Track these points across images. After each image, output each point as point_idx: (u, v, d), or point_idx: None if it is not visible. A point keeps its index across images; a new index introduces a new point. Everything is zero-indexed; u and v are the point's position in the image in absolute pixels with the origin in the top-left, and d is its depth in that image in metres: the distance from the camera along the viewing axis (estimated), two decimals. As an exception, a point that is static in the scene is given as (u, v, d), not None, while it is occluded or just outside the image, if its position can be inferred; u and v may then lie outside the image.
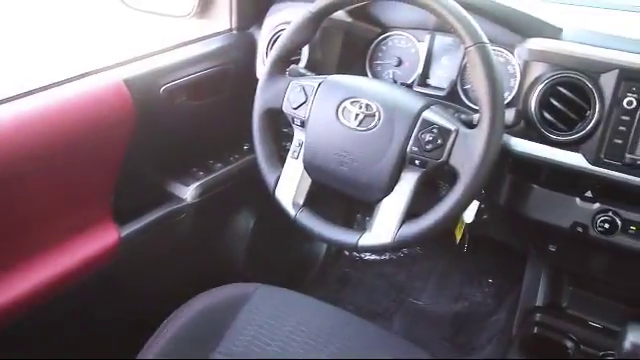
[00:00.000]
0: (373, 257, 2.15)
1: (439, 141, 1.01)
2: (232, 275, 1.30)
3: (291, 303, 1.18)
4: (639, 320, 1.07)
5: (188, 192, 1.43)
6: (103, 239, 1.27)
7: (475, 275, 2.03)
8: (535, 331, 1.42)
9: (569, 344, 1.38)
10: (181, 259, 1.53)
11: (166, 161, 1.43)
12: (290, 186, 1.15)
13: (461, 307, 1.97)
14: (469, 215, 1.19)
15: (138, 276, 1.40)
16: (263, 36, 1.44)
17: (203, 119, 1.45)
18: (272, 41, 1.40)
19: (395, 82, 1.36)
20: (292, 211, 1.14)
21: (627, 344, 1.01)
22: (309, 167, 1.13)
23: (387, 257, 2.14)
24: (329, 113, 1.08)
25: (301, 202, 1.15)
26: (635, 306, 1.43)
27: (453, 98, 1.29)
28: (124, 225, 1.31)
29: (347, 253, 2.16)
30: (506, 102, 1.24)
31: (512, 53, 1.23)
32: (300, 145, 1.14)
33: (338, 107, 1.08)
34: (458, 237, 1.27)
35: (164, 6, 1.52)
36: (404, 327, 1.92)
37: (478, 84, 0.99)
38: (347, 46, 1.36)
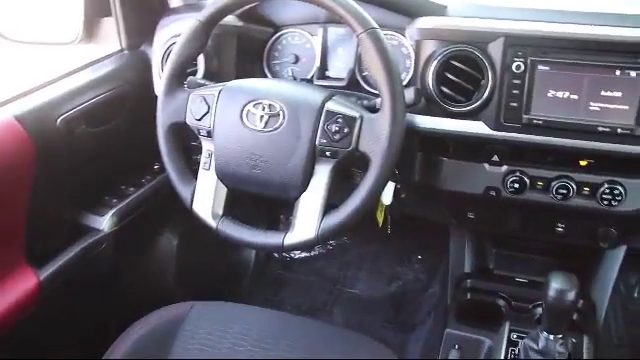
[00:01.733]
0: (304, 254, 2.16)
1: (346, 130, 1.02)
2: (164, 298, 1.27)
3: (229, 315, 1.17)
4: (560, 269, 1.13)
5: (104, 222, 1.38)
6: (21, 285, 1.21)
7: (404, 254, 2.08)
8: (468, 297, 1.47)
9: (501, 302, 1.44)
10: (108, 292, 1.48)
11: (76, 194, 1.38)
12: (207, 198, 1.13)
13: (396, 288, 2.02)
14: (387, 197, 1.22)
15: (64, 317, 1.35)
16: (155, 52, 1.42)
17: (108, 145, 1.41)
18: (165, 56, 1.38)
19: (295, 79, 1.37)
20: (213, 222, 1.12)
21: (551, 292, 1.06)
22: (222, 176, 1.12)
23: (317, 252, 2.16)
24: (233, 119, 1.08)
25: (221, 212, 1.13)
26: (555, 257, 1.51)
27: (354, 86, 1.31)
28: (42, 268, 1.25)
29: (277, 255, 2.16)
30: (405, 82, 1.28)
31: (403, 35, 1.26)
32: (210, 155, 1.13)
33: (242, 112, 1.07)
34: (380, 220, 1.29)
35: (48, 35, 1.46)
36: (345, 317, 1.94)
37: (374, 69, 1.01)
38: (242, 50, 1.36)
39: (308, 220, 1.06)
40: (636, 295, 1.92)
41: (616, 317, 1.85)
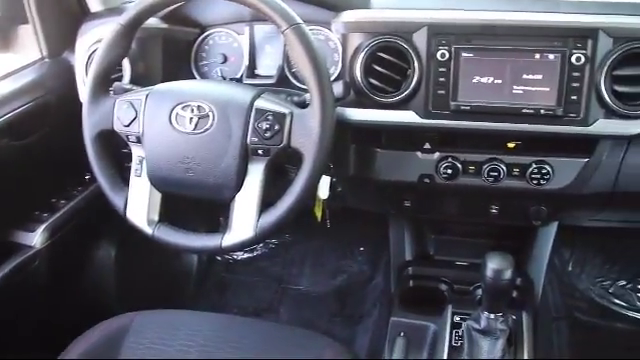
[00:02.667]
0: (246, 255, 2.14)
1: (276, 127, 1.02)
2: (106, 311, 1.24)
3: (173, 322, 1.15)
4: (496, 249, 1.16)
5: (35, 237, 1.34)
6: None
7: (347, 247, 2.09)
8: (411, 284, 1.50)
9: (443, 287, 1.47)
10: (45, 310, 1.43)
11: (3, 210, 1.32)
12: (140, 205, 1.11)
13: (341, 281, 2.03)
14: (323, 191, 1.22)
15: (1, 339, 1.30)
16: (78, 59, 1.38)
17: (33, 158, 1.36)
18: (88, 62, 1.34)
19: (224, 79, 1.35)
20: (148, 229, 1.10)
21: (489, 272, 1.09)
22: (155, 181, 1.10)
23: (260, 252, 2.15)
24: (162, 123, 1.06)
25: (156, 218, 1.11)
26: (492, 238, 1.55)
27: (284, 83, 1.31)
28: None
29: (220, 258, 2.14)
30: (334, 76, 1.28)
31: (330, 29, 1.27)
32: (141, 162, 1.10)
33: (170, 115, 1.05)
34: (319, 215, 1.29)
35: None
36: (292, 315, 1.94)
37: (301, 64, 1.01)
38: (169, 53, 1.33)
39: (245, 220, 1.05)
40: (570, 269, 1.99)
41: (553, 291, 1.92)
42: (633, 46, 1.07)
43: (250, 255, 2.14)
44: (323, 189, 1.23)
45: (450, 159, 1.23)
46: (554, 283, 1.94)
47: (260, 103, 1.04)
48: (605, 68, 1.08)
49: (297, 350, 1.11)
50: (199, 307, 1.89)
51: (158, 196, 1.11)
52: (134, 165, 1.12)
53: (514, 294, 1.42)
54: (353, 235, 2.08)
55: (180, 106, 1.05)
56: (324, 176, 1.21)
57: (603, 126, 1.11)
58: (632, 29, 1.08)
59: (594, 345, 1.81)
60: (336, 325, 1.88)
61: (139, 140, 1.08)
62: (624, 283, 1.97)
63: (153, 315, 1.17)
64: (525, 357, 1.18)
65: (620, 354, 1.77)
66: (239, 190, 1.05)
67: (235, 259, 2.15)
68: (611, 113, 1.10)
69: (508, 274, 1.08)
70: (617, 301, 1.94)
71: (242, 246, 1.07)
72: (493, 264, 1.09)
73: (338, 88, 1.09)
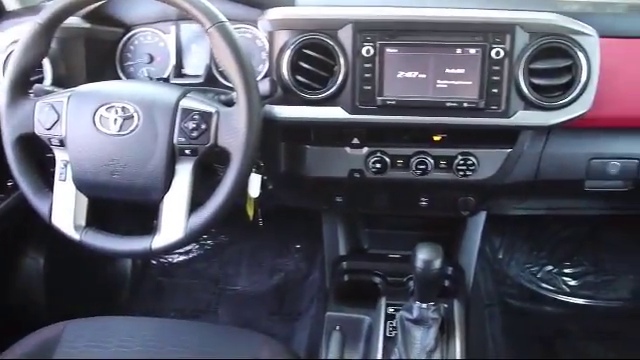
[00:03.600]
0: (182, 258, 2.12)
1: (203, 126, 1.01)
2: (35, 322, 1.20)
3: (106, 330, 1.13)
4: (428, 240, 1.19)
5: (-44, 247, 1.28)
6: None
7: (283, 245, 2.10)
8: (346, 279, 1.51)
9: (377, 280, 1.49)
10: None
11: None
12: (66, 210, 1.08)
13: (278, 279, 2.03)
14: (254, 189, 1.22)
15: None
16: None
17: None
18: (5, 64, 1.29)
19: (151, 79, 1.33)
20: (75, 234, 1.07)
21: (418, 263, 1.11)
22: (81, 185, 1.07)
23: (196, 253, 2.12)
24: (86, 125, 1.03)
25: (83, 223, 1.09)
26: (423, 230, 1.58)
27: (212, 82, 1.30)
28: None
29: (155, 262, 2.11)
30: (262, 74, 1.28)
31: (257, 27, 1.26)
32: (65, 165, 1.07)
33: (94, 117, 1.03)
34: (250, 213, 1.29)
35: None
36: (231, 315, 1.94)
37: (226, 63, 1.01)
38: (92, 53, 1.30)
39: (174, 221, 1.04)
40: (501, 256, 2.06)
41: (485, 279, 1.98)
42: (547, 41, 1.12)
43: (186, 257, 2.12)
44: (254, 187, 1.22)
45: (379, 153, 1.25)
46: (486, 271, 2.00)
47: (186, 102, 1.03)
48: (522, 62, 1.12)
49: (234, 349, 1.11)
50: (135, 313, 1.86)
51: (84, 200, 1.09)
52: (58, 169, 1.08)
53: (446, 283, 1.46)
54: (289, 233, 2.09)
55: (104, 107, 1.03)
56: (254, 174, 1.21)
57: (523, 117, 1.15)
58: (546, 25, 1.12)
59: (526, 329, 1.88)
60: (275, 323, 1.89)
61: (62, 143, 1.05)
62: (551, 268, 2.05)
63: (85, 323, 1.14)
64: (457, 344, 1.21)
65: (550, 335, 1.84)
66: (167, 191, 1.04)
67: (171, 262, 2.12)
68: (530, 105, 1.15)
69: (437, 264, 1.11)
70: (545, 285, 2.03)
71: (172, 248, 1.06)
72: (422, 255, 1.11)
73: (265, 86, 1.09)
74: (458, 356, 1.19)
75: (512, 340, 1.81)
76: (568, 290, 2.02)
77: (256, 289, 2.01)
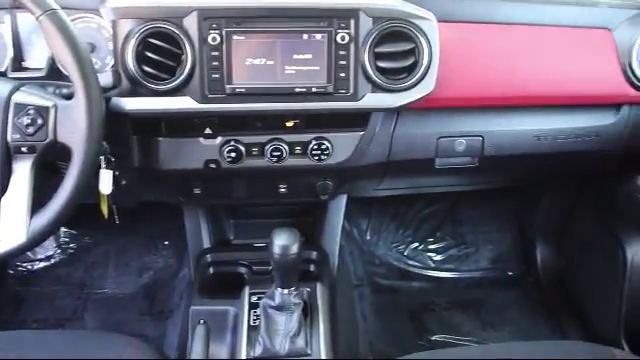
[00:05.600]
0: (42, 264, 2.00)
1: (39, 121, 0.96)
2: None
3: None
4: (292, 227, 1.19)
5: None
6: None
7: (151, 242, 2.04)
8: (211, 271, 1.49)
9: (243, 270, 1.48)
10: None
11: None
12: None
13: (147, 278, 1.97)
14: (105, 186, 1.17)
15: None
16: None
17: None
18: None
19: None
20: None
21: (275, 249, 1.12)
22: None
23: (58, 259, 2.01)
24: None
25: None
26: (287, 216, 1.59)
27: (56, 75, 1.22)
28: None
29: (12, 271, 1.98)
30: (109, 65, 1.23)
31: (101, 16, 1.21)
32: None
33: None
34: (105, 211, 1.24)
35: None
36: (99, 320, 1.85)
37: (60, 53, 0.96)
38: None
39: (15, 224, 0.97)
40: (368, 237, 2.12)
41: (354, 260, 2.03)
42: (390, 25, 1.15)
43: (47, 263, 2.01)
44: (105, 184, 1.17)
45: (233, 142, 1.24)
46: (354, 253, 2.05)
47: (19, 97, 0.97)
48: (368, 46, 1.15)
49: (96, 353, 1.08)
50: None
51: None
52: None
53: (311, 268, 1.47)
54: (156, 229, 2.03)
55: None
56: (105, 170, 1.16)
57: (371, 100, 1.18)
58: (388, 9, 1.15)
59: (395, 305, 1.95)
60: (146, 324, 1.83)
61: None
62: (416, 245, 2.14)
63: None
64: (321, 326, 1.23)
65: (418, 309, 1.92)
66: (4, 193, 0.97)
67: (30, 269, 1.99)
68: (377, 88, 1.18)
69: (295, 248, 1.12)
70: (412, 262, 2.11)
71: (14, 253, 0.99)
72: (279, 240, 1.12)
73: (107, 77, 1.05)
74: (322, 338, 1.21)
75: (382, 317, 1.87)
76: (433, 265, 2.11)
77: (125, 290, 1.94)
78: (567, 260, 1.98)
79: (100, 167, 1.15)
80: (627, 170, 1.50)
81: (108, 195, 1.20)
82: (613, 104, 1.42)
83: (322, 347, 1.20)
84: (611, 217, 1.69)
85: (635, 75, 1.35)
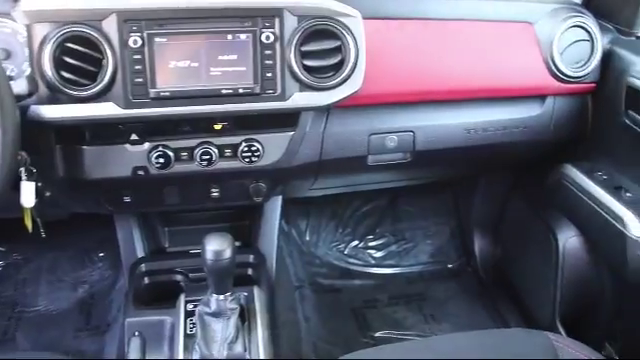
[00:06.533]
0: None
1: None
2: None
3: None
4: (228, 231, 1.17)
5: None
6: None
7: (85, 255, 1.97)
8: (146, 281, 1.45)
9: (179, 278, 1.45)
10: None
11: None
12: None
13: (83, 292, 1.90)
14: (27, 199, 1.12)
15: None
16: None
17: None
18: None
19: None
20: None
21: (208, 254, 1.09)
22: None
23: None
24: None
25: None
26: (222, 221, 1.57)
27: None
28: None
29: None
30: (27, 72, 1.17)
31: (15, 20, 1.15)
32: None
33: None
34: (29, 225, 1.19)
35: None
36: (32, 340, 1.77)
37: None
38: None
39: None
40: (308, 238, 2.11)
41: (294, 262, 2.02)
42: (315, 23, 1.15)
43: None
44: (27, 197, 1.12)
45: (161, 148, 1.21)
46: (294, 254, 2.04)
47: None
48: (293, 45, 1.14)
49: None
50: None
51: None
52: None
53: (249, 271, 1.45)
54: (90, 240, 1.97)
55: None
56: (26, 182, 1.11)
57: (299, 99, 1.17)
58: (312, 7, 1.15)
59: (337, 304, 1.94)
60: (83, 340, 1.76)
61: None
62: (356, 243, 2.15)
63: None
64: (259, 331, 1.21)
65: (360, 307, 1.93)
66: None
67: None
68: (305, 87, 1.17)
69: (228, 253, 1.10)
70: (353, 260, 2.12)
71: None
72: (211, 246, 1.10)
73: (22, 85, 1.01)
74: (261, 342, 1.19)
75: (325, 317, 1.86)
76: (374, 262, 2.12)
77: (59, 306, 1.86)
78: (504, 250, 2.02)
79: (21, 179, 1.11)
80: (555, 159, 1.54)
81: (32, 208, 1.15)
82: (538, 96, 1.46)
83: (261, 351, 1.18)
84: (542, 206, 1.73)
85: (557, 67, 1.39)
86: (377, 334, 1.83)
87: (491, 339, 1.18)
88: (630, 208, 1.29)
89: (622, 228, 1.28)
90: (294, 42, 1.14)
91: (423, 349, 1.17)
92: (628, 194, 1.35)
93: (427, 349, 1.16)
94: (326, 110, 1.29)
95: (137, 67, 1.10)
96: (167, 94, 1.12)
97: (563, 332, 1.66)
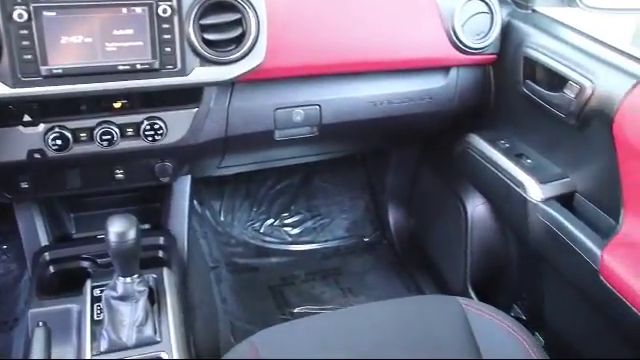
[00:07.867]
0: None
1: None
2: None
3: None
4: (135, 213, 1.13)
5: None
6: None
7: None
8: (52, 270, 1.39)
9: (86, 264, 1.39)
10: None
11: None
12: None
13: None
14: None
15: None
16: None
17: None
18: None
19: None
20: None
21: (111, 236, 1.05)
22: None
23: None
24: None
25: None
26: (130, 204, 1.52)
27: None
28: None
29: None
30: None
31: None
32: None
33: None
34: None
35: None
36: None
37: None
38: None
39: None
40: (222, 218, 2.09)
41: (209, 243, 1.99)
42: None
43: None
44: None
45: (57, 129, 1.16)
46: (209, 235, 2.02)
47: None
48: (192, 18, 1.11)
49: None
50: None
51: None
52: None
53: (160, 254, 1.42)
54: None
55: None
56: None
57: (200, 74, 1.15)
58: None
59: (255, 283, 1.94)
60: None
61: None
62: (272, 221, 2.14)
63: None
64: (169, 312, 1.19)
65: (278, 284, 1.93)
66: None
67: None
68: (206, 61, 1.14)
69: (131, 234, 1.06)
70: (269, 239, 2.12)
71: None
72: (114, 227, 1.06)
73: None
74: (172, 324, 1.17)
75: (242, 297, 1.85)
76: (290, 239, 2.13)
77: None
78: (417, 221, 2.06)
79: None
80: (461, 130, 1.59)
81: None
82: (442, 67, 1.49)
83: (172, 333, 1.16)
84: (450, 175, 1.78)
85: (459, 38, 1.42)
86: (295, 310, 1.84)
87: (404, 306, 1.20)
88: (530, 174, 1.35)
89: (523, 193, 1.34)
90: (192, 15, 1.11)
91: (338, 319, 1.18)
92: (528, 160, 1.40)
93: (341, 319, 1.17)
94: (230, 85, 1.27)
95: (25, 43, 1.04)
96: (60, 71, 1.06)
97: (474, 296, 1.72)
